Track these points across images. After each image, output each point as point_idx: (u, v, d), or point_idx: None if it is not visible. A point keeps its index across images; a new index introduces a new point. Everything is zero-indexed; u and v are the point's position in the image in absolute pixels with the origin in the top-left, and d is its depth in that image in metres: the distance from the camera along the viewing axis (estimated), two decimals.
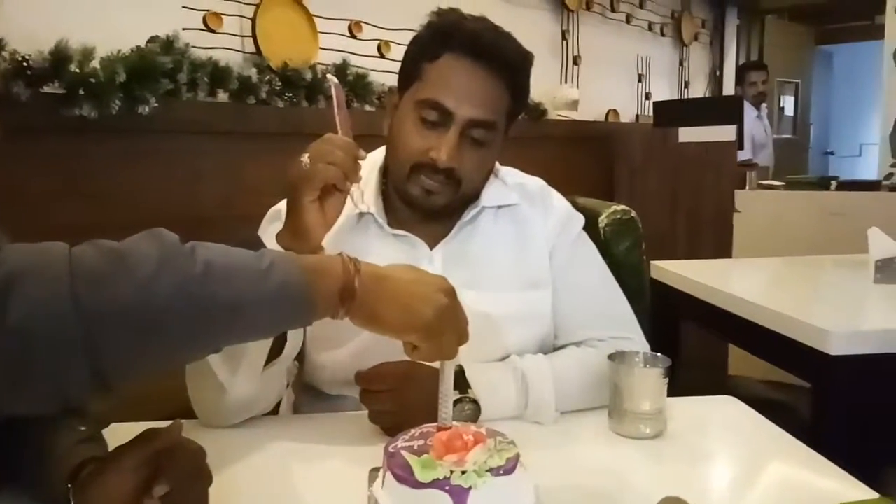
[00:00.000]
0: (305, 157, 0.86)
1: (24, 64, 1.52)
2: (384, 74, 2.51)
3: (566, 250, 1.09)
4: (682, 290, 2.00)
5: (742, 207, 3.25)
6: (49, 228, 1.61)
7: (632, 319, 1.10)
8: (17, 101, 1.50)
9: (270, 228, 0.98)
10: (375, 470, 0.72)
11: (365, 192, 1.01)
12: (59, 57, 1.58)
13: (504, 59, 0.98)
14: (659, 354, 0.92)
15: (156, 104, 1.73)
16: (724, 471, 0.90)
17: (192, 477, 0.68)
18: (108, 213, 1.75)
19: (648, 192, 3.39)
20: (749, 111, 4.15)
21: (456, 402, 0.90)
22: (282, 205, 0.94)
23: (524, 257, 1.07)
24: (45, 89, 1.58)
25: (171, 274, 0.58)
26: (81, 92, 1.60)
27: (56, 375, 0.55)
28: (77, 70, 1.60)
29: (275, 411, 1.09)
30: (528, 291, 1.05)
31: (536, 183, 1.15)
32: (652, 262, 2.17)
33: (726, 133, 3.24)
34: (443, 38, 0.98)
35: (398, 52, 2.68)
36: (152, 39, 1.82)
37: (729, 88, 5.17)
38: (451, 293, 0.72)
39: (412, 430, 0.70)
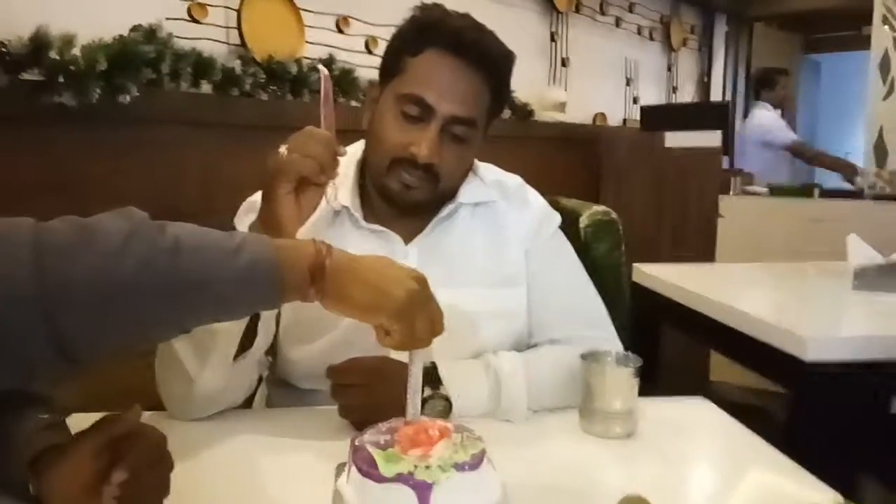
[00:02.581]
0: (283, 149, 0.85)
1: (3, 49, 1.49)
2: (371, 70, 2.49)
3: (542, 248, 1.09)
4: (663, 293, 2.00)
5: (726, 213, 3.27)
6: (30, 217, 1.60)
7: (605, 318, 1.10)
8: None
9: (245, 219, 0.97)
10: (343, 465, 0.71)
11: (342, 187, 1.01)
12: (39, 43, 1.55)
13: (486, 57, 0.98)
14: (630, 354, 0.92)
15: (137, 93, 1.70)
16: (693, 472, 0.90)
17: (152, 462, 0.68)
18: (87, 203, 1.70)
19: (634, 196, 3.41)
20: (772, 114, 4.18)
21: (428, 399, 0.90)
22: (257, 196, 0.93)
23: (500, 254, 1.07)
24: (24, 76, 1.55)
25: (138, 247, 0.57)
26: (61, 79, 1.57)
27: (20, 346, 0.54)
28: (57, 57, 1.57)
29: (248, 405, 1.08)
30: (502, 288, 1.05)
31: (514, 181, 1.15)
32: (634, 264, 2.18)
33: (712, 139, 3.25)
34: (426, 32, 0.98)
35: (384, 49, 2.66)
36: (135, 28, 1.80)
37: (716, 94, 5.20)
38: (423, 281, 0.72)
39: (380, 425, 0.69)
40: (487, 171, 1.13)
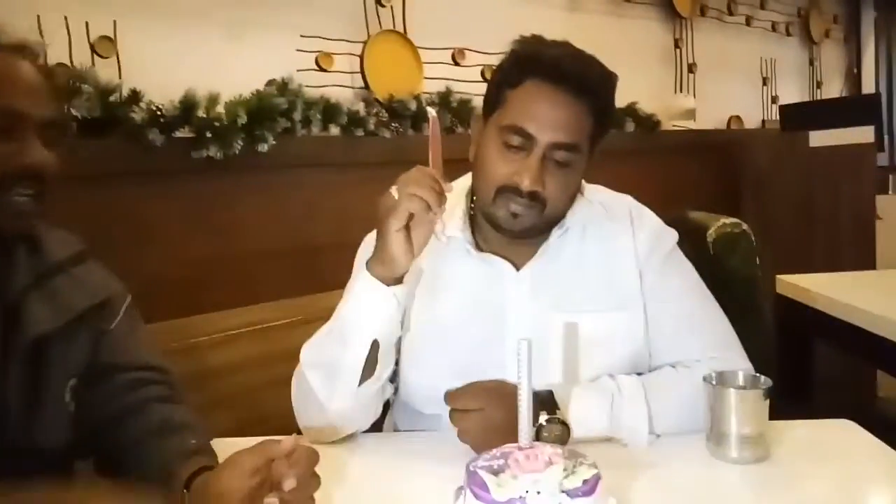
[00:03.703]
0: (394, 189, 0.90)
1: (158, 113, 1.68)
2: None
3: (657, 268, 1.05)
4: (814, 306, 1.86)
5: (884, 214, 2.98)
6: (182, 260, 1.79)
7: (730, 337, 1.04)
8: (152, 146, 1.67)
9: (364, 256, 1.02)
10: (461, 488, 0.73)
11: (453, 218, 1.04)
12: (188, 104, 1.74)
13: (584, 83, 0.98)
14: (760, 375, 0.87)
15: (273, 142, 1.85)
16: (831, 500, 0.82)
17: (306, 480, 0.74)
18: (232, 244, 1.89)
19: (778, 202, 3.20)
20: None
21: (545, 424, 0.90)
22: (374, 234, 0.99)
23: (612, 276, 1.05)
24: (177, 134, 1.73)
25: None
26: (208, 135, 1.74)
27: None
28: (204, 115, 1.74)
29: (378, 429, 1.13)
30: (617, 311, 1.03)
31: (624, 200, 1.12)
32: (777, 276, 2.05)
33: (864, 134, 2.99)
34: (525, 64, 0.99)
35: None
36: (270, 82, 1.96)
37: (868, 87, 4.77)
38: None
39: (494, 450, 0.71)
40: (595, 192, 1.12)
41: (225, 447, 0.98)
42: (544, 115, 0.96)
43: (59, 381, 0.86)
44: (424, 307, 1.05)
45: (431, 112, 0.95)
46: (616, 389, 0.94)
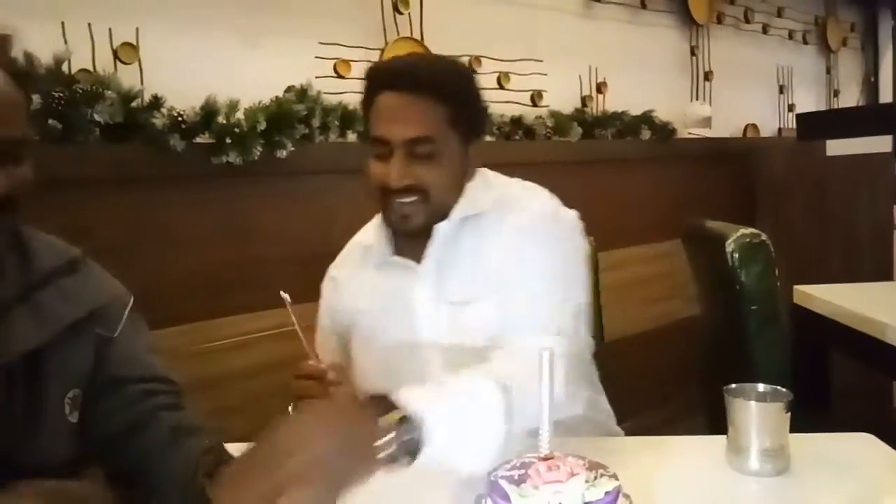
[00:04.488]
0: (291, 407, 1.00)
1: (179, 119, 1.70)
2: (504, 105, 2.56)
3: (514, 248, 1.06)
4: (831, 317, 1.84)
5: None
6: (201, 264, 1.81)
7: (555, 318, 1.00)
8: (173, 152, 1.69)
9: (325, 293, 1.25)
10: (481, 496, 0.73)
11: (370, 230, 1.19)
12: (209, 110, 1.76)
13: (418, 79, 1.06)
14: (780, 388, 0.87)
15: (292, 148, 1.87)
16: None
17: None
18: (252, 249, 1.91)
19: (795, 212, 3.18)
20: None
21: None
22: (332, 271, 1.24)
23: (508, 262, 1.05)
24: (197, 140, 1.75)
25: None
26: (228, 140, 1.76)
27: None
28: (224, 121, 1.76)
29: None
30: (481, 302, 1.06)
31: (517, 189, 1.15)
32: (795, 286, 2.03)
33: (881, 143, 2.97)
34: (370, 84, 1.10)
35: (518, 83, 2.72)
36: (289, 89, 1.98)
37: (886, 95, 4.74)
38: None
39: (514, 460, 0.71)
40: (492, 184, 1.15)
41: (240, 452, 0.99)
42: (390, 119, 1.05)
43: (57, 393, 0.85)
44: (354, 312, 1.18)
45: (285, 297, 0.97)
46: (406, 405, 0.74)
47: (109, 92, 1.61)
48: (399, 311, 1.11)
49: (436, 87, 1.07)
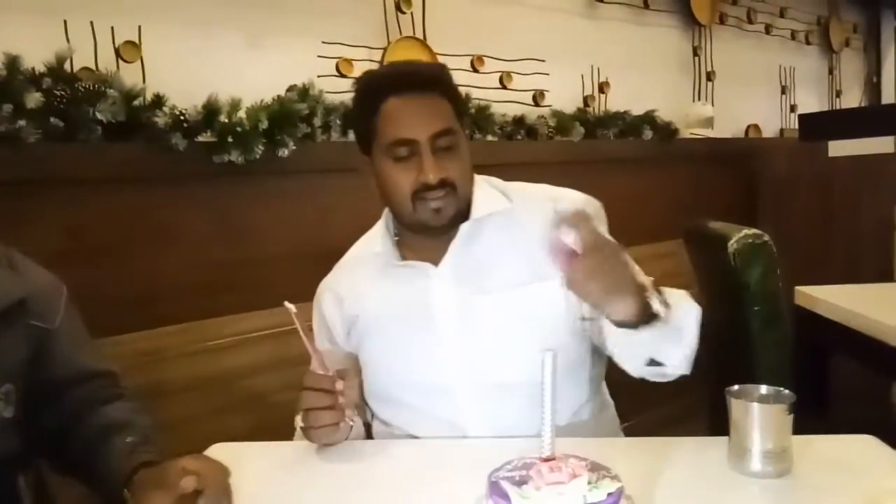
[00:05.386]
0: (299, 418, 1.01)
1: (181, 117, 1.70)
2: (505, 104, 2.57)
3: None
4: (832, 318, 1.84)
5: None
6: (201, 263, 1.81)
7: None
8: (175, 151, 1.68)
9: (317, 310, 1.24)
10: (483, 498, 0.73)
11: (375, 239, 1.19)
12: (211, 109, 1.75)
13: (426, 78, 1.11)
14: (783, 389, 0.86)
15: (294, 147, 1.87)
16: None
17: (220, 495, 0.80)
18: (252, 248, 1.91)
19: (796, 212, 3.18)
20: None
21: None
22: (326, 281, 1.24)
23: (528, 253, 1.07)
24: (199, 139, 1.75)
25: None
26: (230, 139, 1.76)
27: None
28: (226, 120, 1.76)
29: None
30: (538, 283, 1.07)
31: (526, 185, 1.20)
32: (796, 287, 2.03)
33: (884, 144, 2.97)
34: (375, 91, 1.11)
35: (520, 82, 2.71)
36: (291, 88, 1.98)
37: (888, 96, 4.73)
38: None
39: (515, 460, 0.71)
40: (494, 184, 1.18)
41: (238, 450, 0.99)
42: (413, 118, 1.07)
43: None
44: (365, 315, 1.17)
45: (291, 308, 0.96)
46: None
47: (111, 90, 1.61)
48: (417, 314, 1.11)
49: (439, 84, 1.11)
